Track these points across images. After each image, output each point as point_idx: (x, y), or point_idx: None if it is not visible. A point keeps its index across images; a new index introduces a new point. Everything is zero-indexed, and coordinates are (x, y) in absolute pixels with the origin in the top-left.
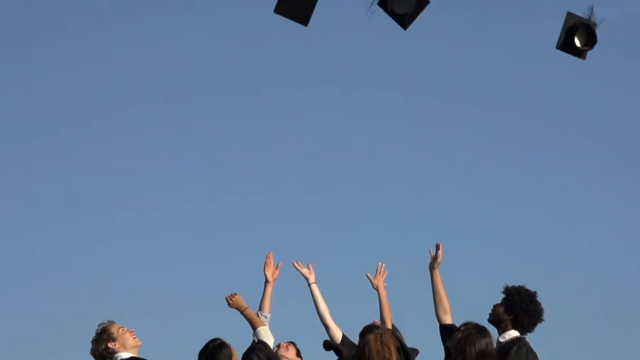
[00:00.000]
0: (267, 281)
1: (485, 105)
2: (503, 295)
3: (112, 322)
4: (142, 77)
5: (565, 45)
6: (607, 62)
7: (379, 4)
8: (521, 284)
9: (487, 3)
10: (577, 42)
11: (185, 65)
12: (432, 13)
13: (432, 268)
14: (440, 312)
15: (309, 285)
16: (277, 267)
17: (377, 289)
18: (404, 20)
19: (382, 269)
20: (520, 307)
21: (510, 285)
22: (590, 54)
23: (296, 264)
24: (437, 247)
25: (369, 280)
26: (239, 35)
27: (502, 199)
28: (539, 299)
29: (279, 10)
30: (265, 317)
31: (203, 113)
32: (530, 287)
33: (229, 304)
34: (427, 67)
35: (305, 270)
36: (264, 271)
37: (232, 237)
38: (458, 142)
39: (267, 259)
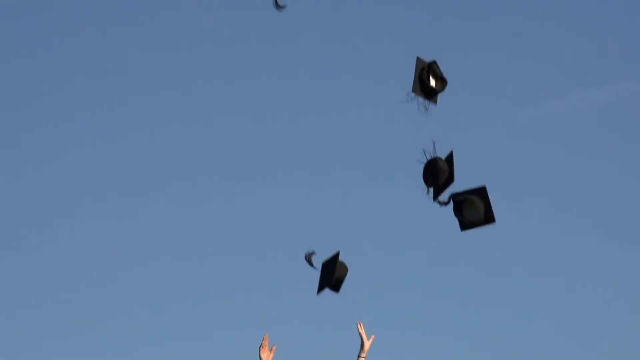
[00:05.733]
0: None
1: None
2: None
3: None
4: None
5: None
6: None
7: (453, 201)
8: None
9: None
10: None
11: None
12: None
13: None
14: None
15: (359, 356)
16: (271, 350)
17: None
18: (465, 224)
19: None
20: None
21: None
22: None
23: (360, 326)
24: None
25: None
26: None
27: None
28: None
29: (337, 289)
30: None
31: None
32: None
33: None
34: None
35: (365, 338)
36: (259, 353)
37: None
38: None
39: (263, 341)
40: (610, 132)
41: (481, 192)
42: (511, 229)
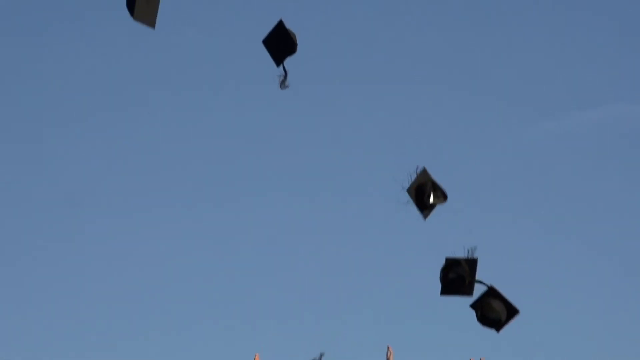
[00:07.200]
0: None
1: None
2: None
3: None
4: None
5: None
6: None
7: (486, 294)
8: None
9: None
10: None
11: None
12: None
13: None
14: None
15: None
16: None
17: None
18: (476, 310)
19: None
20: None
21: None
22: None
23: (390, 349)
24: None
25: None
26: None
27: None
28: None
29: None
30: None
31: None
32: None
33: None
34: None
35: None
36: None
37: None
38: None
39: None
40: (604, 153)
41: (512, 311)
42: (507, 241)
